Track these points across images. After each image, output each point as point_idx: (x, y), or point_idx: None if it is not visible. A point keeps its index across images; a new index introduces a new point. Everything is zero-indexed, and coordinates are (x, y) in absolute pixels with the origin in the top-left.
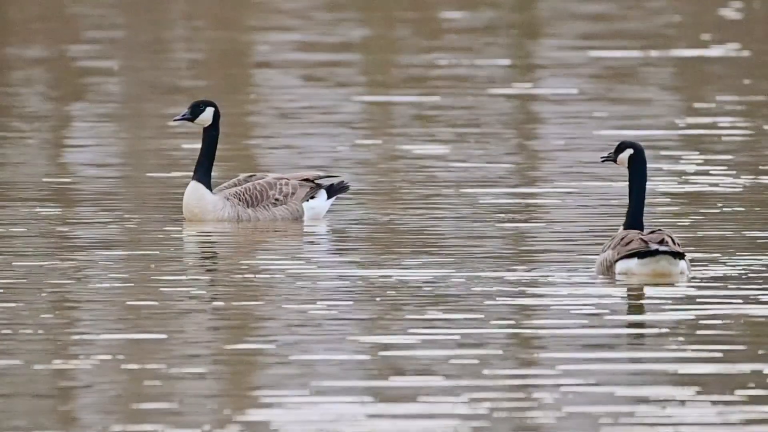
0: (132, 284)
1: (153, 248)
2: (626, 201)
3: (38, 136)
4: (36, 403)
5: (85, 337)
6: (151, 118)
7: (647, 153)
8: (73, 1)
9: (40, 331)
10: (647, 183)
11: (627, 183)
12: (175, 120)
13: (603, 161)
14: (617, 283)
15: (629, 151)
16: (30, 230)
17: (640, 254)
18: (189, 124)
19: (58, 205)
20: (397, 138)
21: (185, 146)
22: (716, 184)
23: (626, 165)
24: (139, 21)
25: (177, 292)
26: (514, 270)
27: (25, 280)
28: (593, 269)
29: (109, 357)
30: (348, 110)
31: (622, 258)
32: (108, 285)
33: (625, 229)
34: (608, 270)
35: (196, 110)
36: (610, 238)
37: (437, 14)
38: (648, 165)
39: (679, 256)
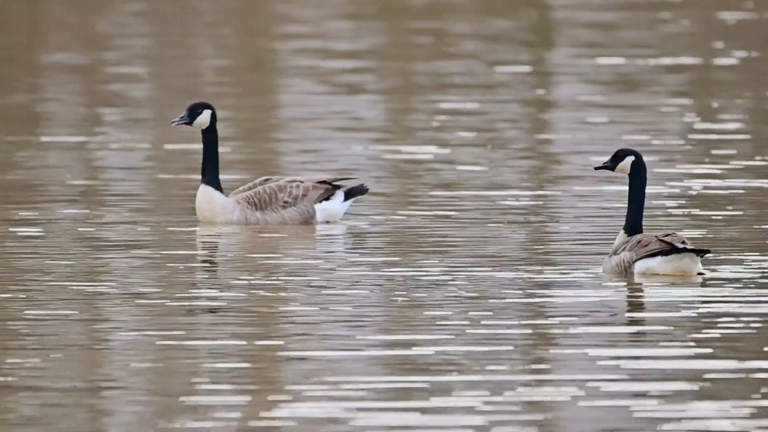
0: (156, 283)
1: (177, 249)
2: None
3: (68, 139)
4: (67, 398)
5: (112, 334)
6: None
7: (658, 158)
8: (104, 11)
9: (69, 329)
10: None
11: (646, 187)
12: (173, 122)
13: (597, 170)
14: (632, 282)
15: (631, 158)
16: (59, 230)
17: (665, 252)
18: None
19: (86, 207)
20: (415, 142)
21: None
22: (725, 187)
23: (628, 172)
24: (166, 30)
25: (200, 291)
26: (529, 270)
27: (54, 279)
28: (600, 272)
29: (136, 354)
30: (366, 115)
31: (642, 258)
32: (133, 284)
33: (626, 232)
34: (626, 271)
35: (193, 113)
36: (623, 242)
37: (453, 22)
38: (659, 170)
39: (703, 252)
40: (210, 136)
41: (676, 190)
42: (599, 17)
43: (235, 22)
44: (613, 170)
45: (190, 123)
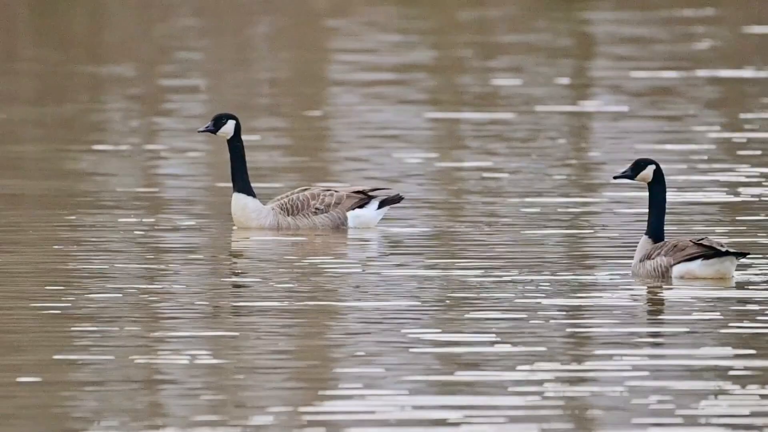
0: (210, 285)
1: (227, 253)
2: (672, 209)
3: (128, 149)
4: (124, 393)
5: (168, 333)
6: None
7: (690, 166)
8: (162, 25)
9: (128, 328)
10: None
11: (666, 193)
12: (199, 131)
13: (617, 179)
14: (669, 285)
15: (652, 167)
16: (117, 235)
17: (707, 255)
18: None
19: (144, 213)
20: (458, 151)
21: (263, 158)
22: (757, 195)
23: (650, 180)
24: (222, 44)
25: (249, 292)
26: (567, 273)
27: (112, 282)
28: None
29: (190, 351)
30: (413, 126)
31: (681, 261)
32: (188, 286)
33: (649, 237)
34: (663, 275)
35: (218, 123)
36: (657, 247)
37: (496, 37)
38: (692, 177)
39: (742, 255)
40: (236, 145)
41: (709, 197)
42: (635, 32)
43: (288, 37)
44: (633, 179)
45: (214, 132)
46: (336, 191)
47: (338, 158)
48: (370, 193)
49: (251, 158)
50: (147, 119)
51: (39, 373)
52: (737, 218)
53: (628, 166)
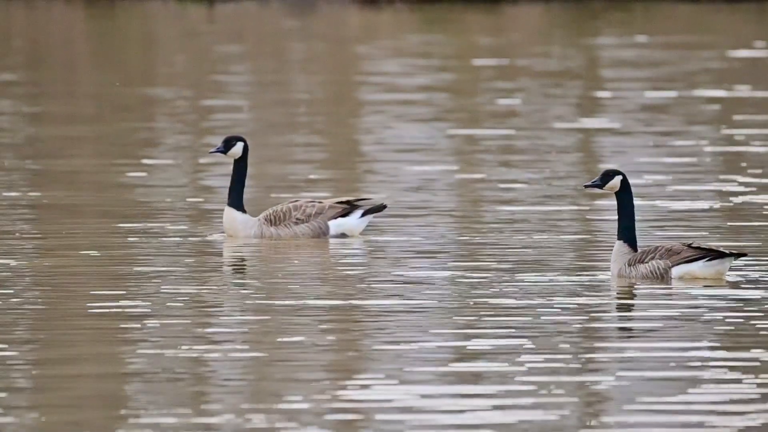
0: (252, 287)
1: (263, 259)
2: (676, 217)
3: (177, 163)
4: (171, 384)
5: (215, 329)
6: (273, 147)
7: (687, 177)
8: (208, 51)
9: (176, 323)
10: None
11: (633, 200)
12: (210, 152)
13: (587, 188)
14: (668, 285)
15: (619, 177)
16: (166, 241)
17: (710, 257)
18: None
19: (189, 221)
20: (478, 165)
21: (298, 171)
22: (750, 203)
23: (617, 189)
24: (261, 67)
25: (285, 295)
26: (574, 274)
27: (161, 283)
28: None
29: (234, 346)
30: (435, 142)
31: (681, 263)
32: (234, 288)
33: (623, 240)
34: (662, 277)
35: (228, 144)
36: (648, 251)
37: (510, 61)
38: (688, 187)
39: (740, 256)
40: (240, 165)
41: (705, 205)
42: (634, 55)
43: (321, 61)
44: (602, 188)
45: (224, 152)
46: (320, 202)
47: (366, 171)
48: (354, 203)
49: (288, 171)
50: (192, 136)
51: (93, 365)
52: (725, 223)
53: (597, 176)
